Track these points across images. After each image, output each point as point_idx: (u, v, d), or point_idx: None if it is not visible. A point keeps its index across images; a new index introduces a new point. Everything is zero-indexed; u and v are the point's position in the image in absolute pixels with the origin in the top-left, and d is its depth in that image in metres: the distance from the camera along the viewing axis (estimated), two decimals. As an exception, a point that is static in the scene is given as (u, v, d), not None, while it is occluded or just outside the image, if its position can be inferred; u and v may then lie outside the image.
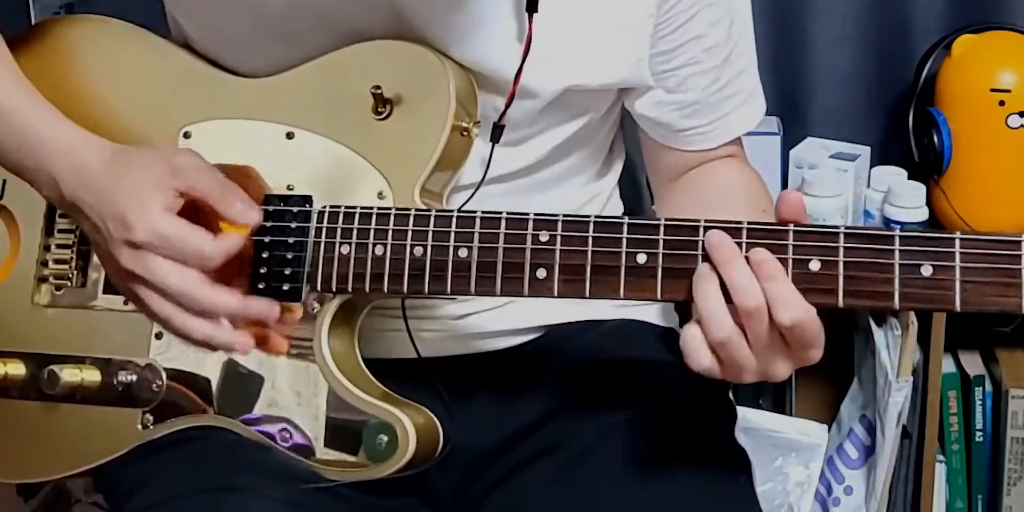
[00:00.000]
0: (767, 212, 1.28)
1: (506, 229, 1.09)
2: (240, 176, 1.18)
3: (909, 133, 2.02)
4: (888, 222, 1.99)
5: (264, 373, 1.19)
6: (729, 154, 1.35)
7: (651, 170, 1.39)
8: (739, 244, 1.03)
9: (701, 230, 1.05)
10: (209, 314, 1.10)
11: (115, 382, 1.23)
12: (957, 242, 0.99)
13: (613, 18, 1.21)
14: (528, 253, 1.08)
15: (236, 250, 1.10)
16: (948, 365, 2.06)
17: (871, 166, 2.10)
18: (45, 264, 1.29)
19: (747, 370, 1.04)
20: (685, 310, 1.46)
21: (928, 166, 1.99)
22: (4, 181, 1.31)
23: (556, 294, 1.08)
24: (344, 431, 1.16)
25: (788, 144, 2.11)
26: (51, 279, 1.29)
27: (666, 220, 1.06)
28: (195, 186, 1.10)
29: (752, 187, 1.34)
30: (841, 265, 1.02)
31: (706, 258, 1.04)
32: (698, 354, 1.03)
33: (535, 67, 1.18)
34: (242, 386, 1.20)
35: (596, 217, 1.08)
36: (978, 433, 2.07)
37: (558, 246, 1.08)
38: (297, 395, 1.18)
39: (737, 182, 1.34)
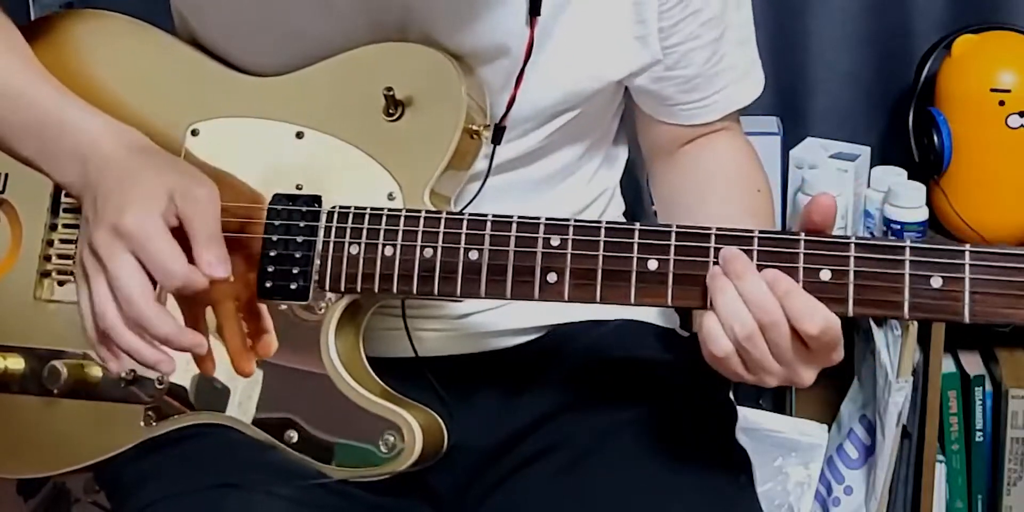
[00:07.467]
0: (761, 191, 1.29)
1: (517, 232, 1.09)
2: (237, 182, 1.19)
3: (909, 133, 2.02)
4: (888, 222, 1.99)
5: (268, 371, 1.19)
6: (724, 128, 1.34)
7: (644, 145, 1.38)
8: (750, 252, 1.04)
9: (713, 237, 1.05)
10: (143, 328, 1.08)
11: (118, 378, 1.22)
12: (967, 254, 1.00)
13: (621, 5, 1.21)
14: (539, 257, 1.08)
15: (199, 287, 1.08)
16: (948, 365, 2.07)
17: (871, 166, 2.10)
18: (48, 259, 1.28)
19: (772, 373, 1.04)
20: (686, 311, 1.46)
21: (928, 166, 2.00)
22: (6, 174, 1.30)
23: (567, 298, 1.08)
24: (349, 430, 1.16)
25: (788, 144, 2.11)
26: (54, 274, 1.28)
27: (677, 227, 1.06)
28: (192, 220, 1.09)
29: (746, 166, 1.34)
30: (851, 275, 1.02)
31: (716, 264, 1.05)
32: (720, 340, 1.03)
33: (541, 70, 1.18)
34: (246, 385, 1.19)
35: (607, 222, 1.08)
36: (978, 433, 2.07)
37: (569, 250, 1.08)
38: (301, 394, 1.18)
39: (732, 161, 1.33)
